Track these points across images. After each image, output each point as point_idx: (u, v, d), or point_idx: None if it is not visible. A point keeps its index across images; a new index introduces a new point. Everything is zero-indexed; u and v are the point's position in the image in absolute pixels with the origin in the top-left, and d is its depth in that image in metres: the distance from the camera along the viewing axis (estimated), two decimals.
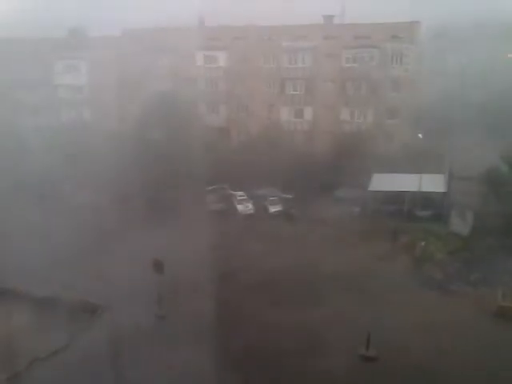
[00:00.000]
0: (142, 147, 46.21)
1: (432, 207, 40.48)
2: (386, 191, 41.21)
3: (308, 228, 39.37)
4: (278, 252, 35.09)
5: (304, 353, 24.33)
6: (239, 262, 33.60)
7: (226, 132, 56.81)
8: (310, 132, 54.74)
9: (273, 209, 43.30)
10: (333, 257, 34.33)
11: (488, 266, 31.47)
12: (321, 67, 53.25)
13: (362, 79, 52.23)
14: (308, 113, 55.13)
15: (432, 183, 40.57)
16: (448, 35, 59.68)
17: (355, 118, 53.20)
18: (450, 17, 58.97)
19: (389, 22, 49.78)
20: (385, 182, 42.00)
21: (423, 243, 35.18)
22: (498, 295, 27.71)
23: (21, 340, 24.33)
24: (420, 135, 47.22)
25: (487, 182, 37.78)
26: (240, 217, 43.14)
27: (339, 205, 41.86)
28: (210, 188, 46.34)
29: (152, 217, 38.89)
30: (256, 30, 55.38)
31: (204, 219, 38.49)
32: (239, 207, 44.07)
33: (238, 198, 45.05)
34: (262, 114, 55.87)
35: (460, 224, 37.38)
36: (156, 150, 46.77)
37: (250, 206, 44.12)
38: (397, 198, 40.94)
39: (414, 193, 40.16)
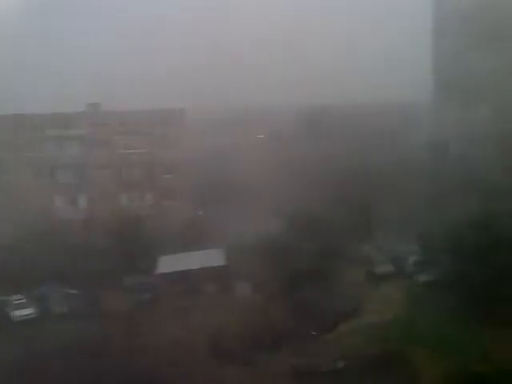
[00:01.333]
0: None
1: (210, 281, 41.64)
2: (174, 272, 41.74)
3: (96, 325, 36.80)
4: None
5: None
6: None
7: None
8: (87, 220, 52.91)
9: (57, 309, 39.44)
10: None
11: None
12: (92, 154, 52.84)
13: (136, 164, 53.32)
14: (83, 200, 53.73)
15: (213, 258, 42.50)
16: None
17: (133, 202, 53.56)
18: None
19: (157, 108, 52.84)
20: (170, 263, 42.66)
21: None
22: None
23: None
24: (200, 212, 49.64)
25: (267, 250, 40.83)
26: (17, 325, 38.24)
27: (128, 293, 40.69)
28: None
29: None
30: (20, 119, 52.90)
31: None
32: (16, 313, 39.07)
33: (14, 302, 40.02)
34: (31, 205, 51.98)
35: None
36: None
37: (30, 310, 39.39)
38: (185, 276, 41.61)
39: (200, 269, 41.29)
